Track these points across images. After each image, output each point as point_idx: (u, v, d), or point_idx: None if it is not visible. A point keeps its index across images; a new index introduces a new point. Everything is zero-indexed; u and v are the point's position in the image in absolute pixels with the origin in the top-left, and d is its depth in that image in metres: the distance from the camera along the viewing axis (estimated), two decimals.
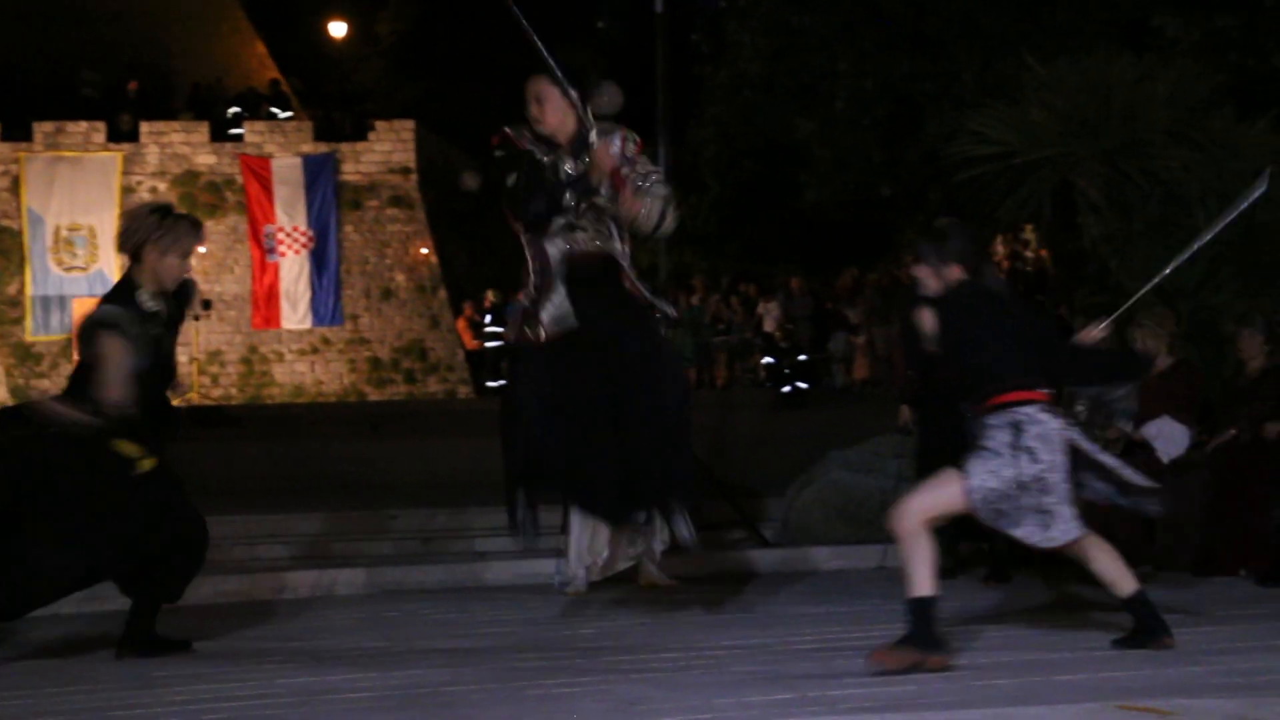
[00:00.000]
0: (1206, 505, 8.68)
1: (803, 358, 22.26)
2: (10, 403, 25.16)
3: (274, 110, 28.45)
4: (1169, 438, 9.04)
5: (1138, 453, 9.09)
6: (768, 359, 22.61)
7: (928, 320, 6.31)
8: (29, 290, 26.25)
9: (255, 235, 26.98)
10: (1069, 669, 5.74)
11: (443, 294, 28.21)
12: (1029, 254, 23.94)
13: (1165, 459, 9.02)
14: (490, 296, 25.48)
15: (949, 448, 8.61)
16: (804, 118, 20.46)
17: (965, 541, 9.24)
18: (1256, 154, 10.62)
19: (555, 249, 7.30)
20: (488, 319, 24.90)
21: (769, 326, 23.64)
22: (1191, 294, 10.27)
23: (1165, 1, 17.03)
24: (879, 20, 18.84)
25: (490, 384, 25.07)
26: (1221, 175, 10.51)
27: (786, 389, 20.97)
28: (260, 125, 27.87)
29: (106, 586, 8.93)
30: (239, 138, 27.61)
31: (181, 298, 6.93)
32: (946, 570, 8.82)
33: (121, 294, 6.81)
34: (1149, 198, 10.66)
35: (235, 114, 28.32)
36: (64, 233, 26.44)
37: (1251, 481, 8.56)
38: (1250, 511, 8.52)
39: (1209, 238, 6.93)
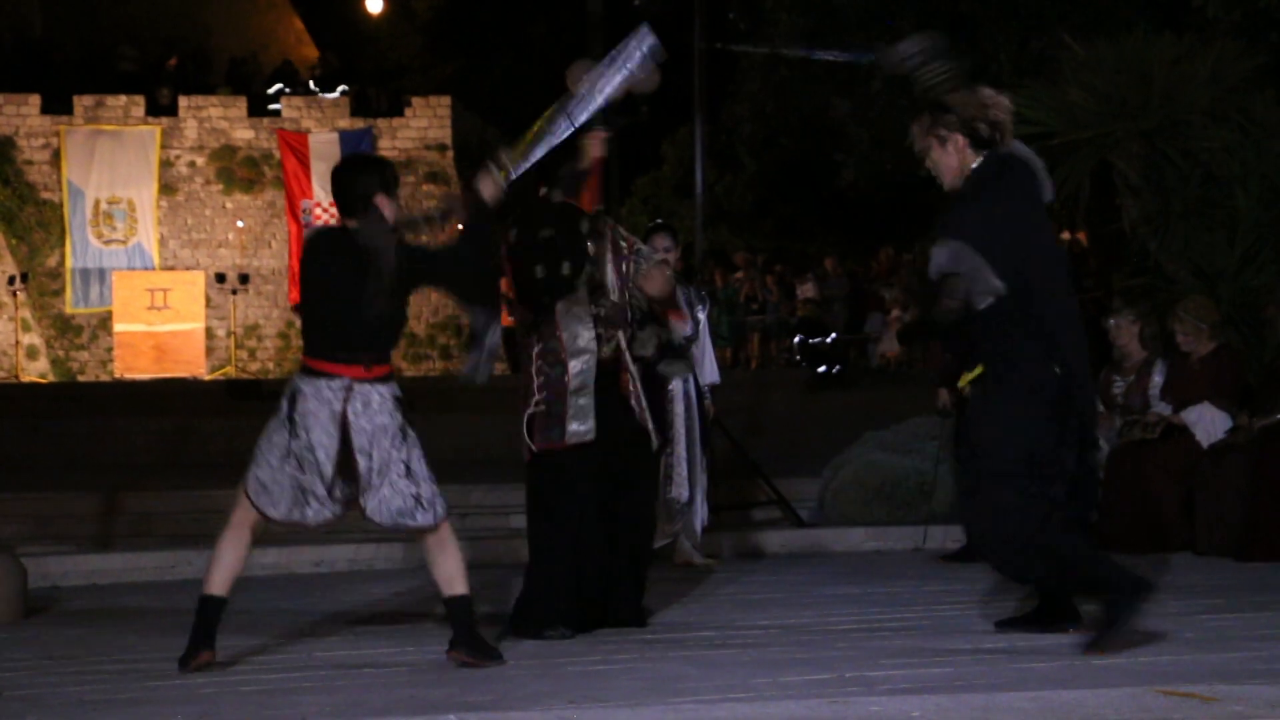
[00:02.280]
0: (1247, 489, 8.63)
1: (833, 337, 22.23)
2: (50, 376, 25.35)
3: (316, 90, 28.48)
4: (1209, 422, 9.01)
5: (1177, 436, 9.07)
6: (800, 338, 22.60)
7: None
8: (69, 263, 26.36)
9: (293, 210, 27.04)
10: (1109, 652, 5.72)
11: None
12: (1065, 235, 23.82)
13: (1205, 443, 8.98)
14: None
15: None
16: (841, 97, 20.39)
17: None
18: None
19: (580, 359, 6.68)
20: None
21: (802, 308, 23.61)
22: (1232, 277, 10.21)
23: None
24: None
25: None
26: (1262, 156, 10.44)
27: (820, 369, 20.97)
28: (297, 100, 27.93)
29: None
30: (278, 112, 27.69)
31: None
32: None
33: None
34: (1189, 179, 10.59)
35: (278, 90, 28.38)
36: (104, 206, 26.56)
37: None
38: None
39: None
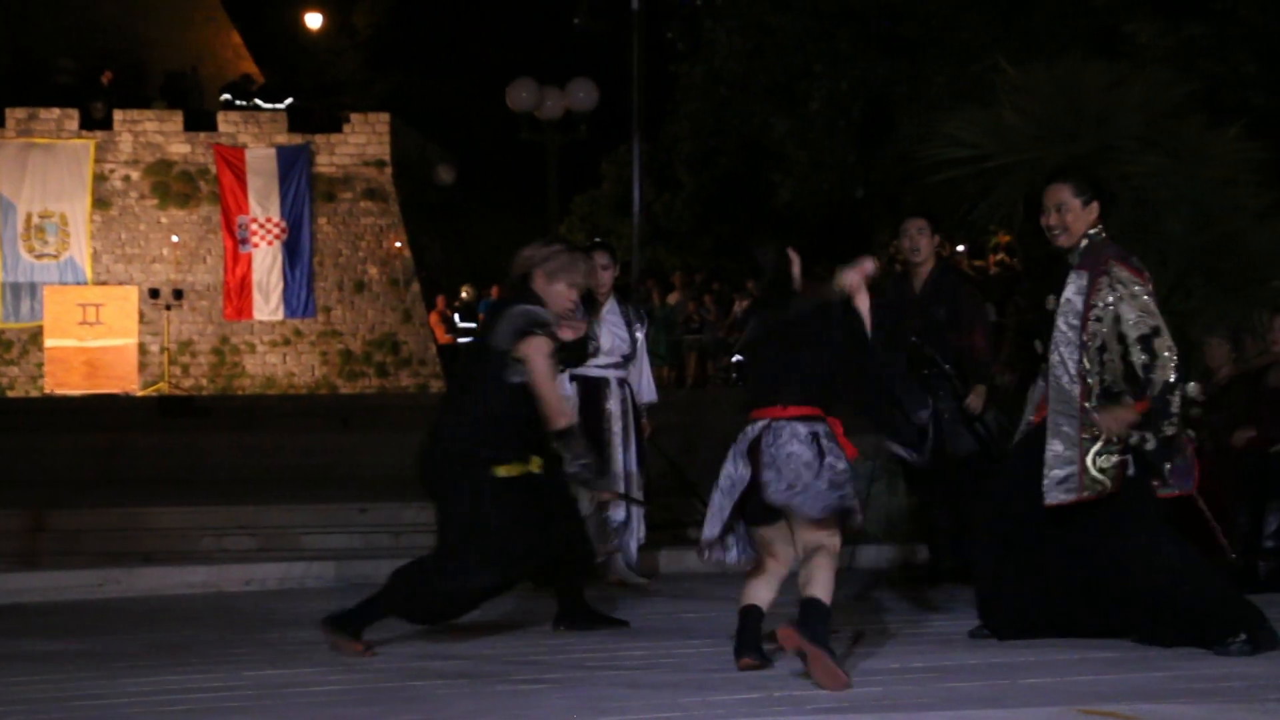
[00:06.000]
0: (1173, 512, 8.69)
1: None
2: None
3: (260, 103, 28.38)
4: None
5: None
6: (738, 358, 22.66)
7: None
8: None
9: (228, 226, 26.90)
10: (1034, 672, 5.77)
11: (415, 288, 28.19)
12: (999, 259, 24.03)
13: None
14: (465, 292, 25.44)
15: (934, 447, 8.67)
16: (779, 117, 20.51)
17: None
18: (1227, 161, 10.67)
19: None
20: (457, 316, 24.94)
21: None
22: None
23: (1139, 8, 17.11)
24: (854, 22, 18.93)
25: None
26: (1192, 182, 10.54)
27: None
28: (235, 115, 27.80)
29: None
30: (215, 126, 27.58)
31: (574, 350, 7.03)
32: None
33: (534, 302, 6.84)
34: (1120, 203, 10.67)
35: (225, 101, 28.28)
36: (35, 220, 26.32)
37: (1218, 488, 8.60)
38: (1217, 519, 8.56)
39: None
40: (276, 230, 26.93)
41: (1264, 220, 10.47)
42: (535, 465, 6.75)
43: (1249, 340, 9.88)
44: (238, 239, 26.77)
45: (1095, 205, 6.73)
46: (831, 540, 6.06)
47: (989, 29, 17.96)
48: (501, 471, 6.63)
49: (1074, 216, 6.67)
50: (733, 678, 5.83)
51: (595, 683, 5.79)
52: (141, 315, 26.00)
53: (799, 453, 6.00)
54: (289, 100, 28.44)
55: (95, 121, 27.07)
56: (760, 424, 6.15)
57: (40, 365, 25.43)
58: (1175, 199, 10.49)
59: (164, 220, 27.24)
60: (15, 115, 26.61)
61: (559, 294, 6.86)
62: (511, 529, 6.59)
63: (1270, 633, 6.13)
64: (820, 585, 5.88)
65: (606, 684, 5.75)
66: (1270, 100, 16.99)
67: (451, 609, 6.75)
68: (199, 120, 27.75)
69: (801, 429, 6.04)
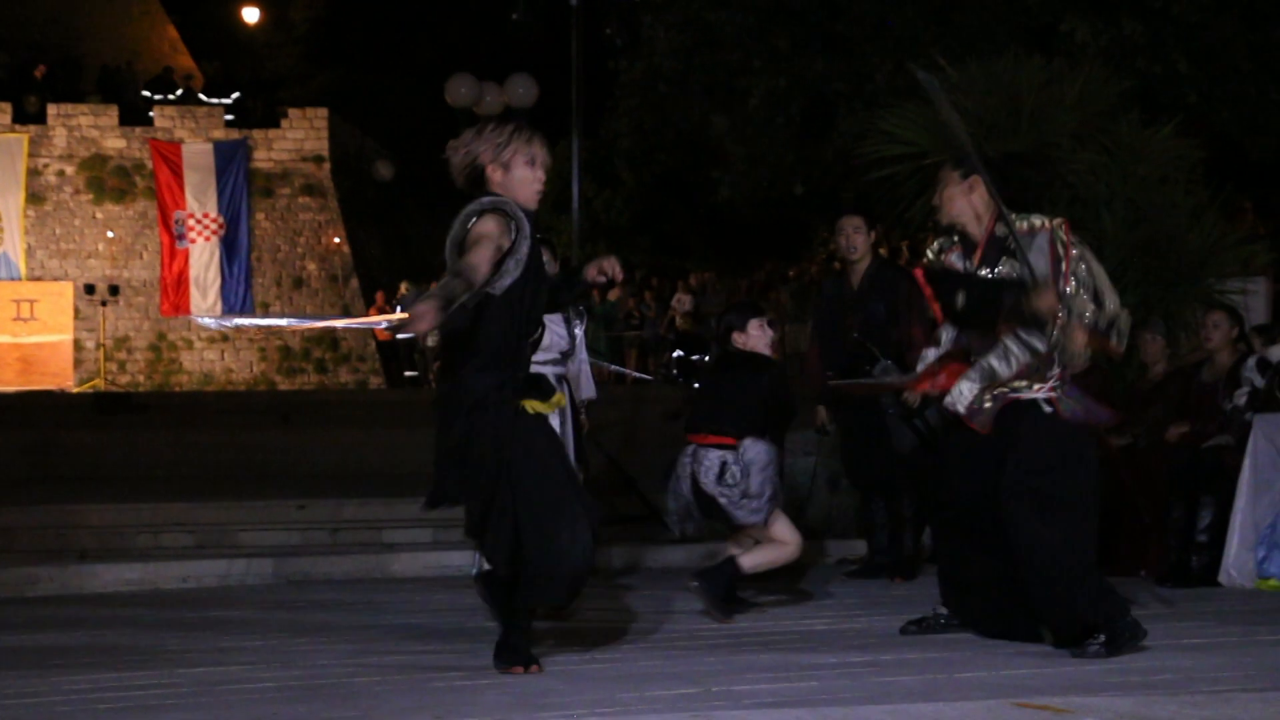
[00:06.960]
0: (1107, 506, 8.78)
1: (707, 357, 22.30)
2: None
3: (202, 96, 28.17)
4: None
5: None
6: (678, 353, 22.64)
7: None
8: None
9: (165, 221, 26.69)
10: (970, 666, 5.81)
11: (354, 283, 28.07)
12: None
13: None
14: (404, 288, 25.35)
15: (872, 443, 8.73)
16: (718, 114, 20.54)
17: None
18: (1161, 159, 10.77)
19: None
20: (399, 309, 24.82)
21: (680, 322, 23.71)
22: None
23: (1075, 7, 17.24)
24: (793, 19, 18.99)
25: (408, 374, 24.93)
26: (1126, 179, 10.64)
27: (696, 385, 21.04)
28: (171, 110, 27.60)
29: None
30: (151, 120, 27.35)
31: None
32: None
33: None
34: (1056, 200, 10.76)
35: (146, 98, 28.05)
36: None
37: (1151, 483, 8.69)
38: (1150, 513, 8.66)
39: None
40: (214, 226, 26.75)
41: (1197, 218, 10.59)
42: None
43: (1183, 337, 9.99)
44: (174, 234, 26.57)
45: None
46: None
47: (926, 27, 18.06)
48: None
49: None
50: (670, 672, 5.84)
51: (533, 677, 5.78)
52: (77, 311, 25.77)
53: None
54: (235, 95, 28.27)
55: (29, 115, 26.81)
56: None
57: None
58: (1110, 195, 10.59)
59: (99, 215, 27.01)
60: None
61: (524, 180, 6.03)
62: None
63: (1131, 628, 6.07)
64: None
65: (544, 679, 5.75)
66: (1203, 99, 17.19)
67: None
68: (134, 115, 27.52)
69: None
